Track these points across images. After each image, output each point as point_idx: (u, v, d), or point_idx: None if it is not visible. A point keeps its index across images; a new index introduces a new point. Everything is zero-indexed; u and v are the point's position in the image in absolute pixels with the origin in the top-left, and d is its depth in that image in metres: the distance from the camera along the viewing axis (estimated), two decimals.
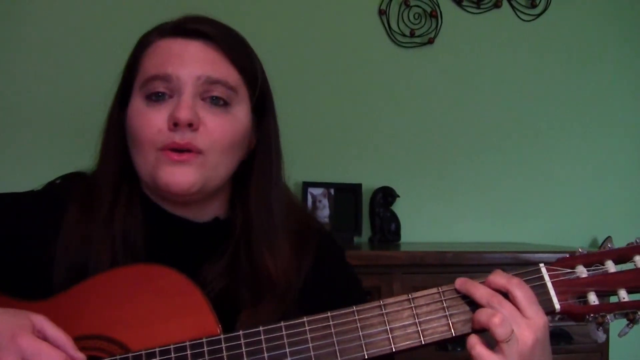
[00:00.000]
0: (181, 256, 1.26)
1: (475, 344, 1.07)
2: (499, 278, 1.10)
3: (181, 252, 1.29)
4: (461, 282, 1.14)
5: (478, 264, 2.55)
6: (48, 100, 2.71)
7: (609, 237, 3.52)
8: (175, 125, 1.20)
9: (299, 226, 1.37)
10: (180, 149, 1.20)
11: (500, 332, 1.04)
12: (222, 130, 1.24)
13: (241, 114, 1.28)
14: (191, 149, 1.21)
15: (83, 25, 2.77)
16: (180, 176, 1.20)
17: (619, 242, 3.38)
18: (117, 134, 1.30)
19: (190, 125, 1.20)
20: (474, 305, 1.11)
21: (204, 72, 1.23)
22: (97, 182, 1.30)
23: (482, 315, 1.07)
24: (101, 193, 1.28)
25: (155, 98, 1.23)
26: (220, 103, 1.25)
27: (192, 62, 1.24)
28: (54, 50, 2.74)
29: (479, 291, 1.10)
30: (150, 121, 1.22)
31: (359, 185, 3.02)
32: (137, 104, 1.25)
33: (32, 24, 2.72)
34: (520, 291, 1.08)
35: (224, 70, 1.26)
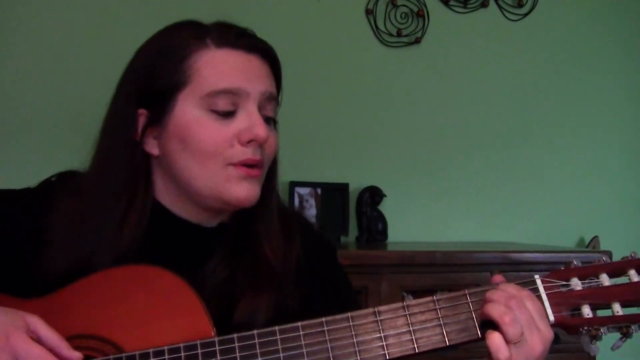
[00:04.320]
0: (183, 258, 1.27)
1: (494, 333, 1.07)
2: (511, 288, 1.11)
3: (185, 254, 1.30)
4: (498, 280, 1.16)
5: (467, 263, 2.56)
6: (46, 100, 2.70)
7: (596, 237, 3.52)
8: (249, 141, 1.23)
9: (281, 211, 1.40)
10: (251, 165, 1.24)
11: (510, 331, 1.05)
12: (275, 146, 1.32)
13: (274, 129, 1.34)
14: (259, 165, 1.26)
15: (82, 24, 2.75)
16: (251, 190, 1.25)
17: (606, 242, 3.39)
18: (131, 132, 1.27)
19: (262, 142, 1.25)
20: (468, 315, 1.12)
21: (267, 89, 1.28)
22: (101, 186, 1.27)
23: (494, 309, 1.08)
24: (108, 199, 1.26)
25: (223, 113, 1.24)
26: (270, 120, 1.31)
27: (258, 78, 1.27)
28: (54, 50, 2.72)
29: (498, 292, 1.11)
30: (221, 134, 1.23)
31: (346, 185, 3.03)
32: (197, 113, 1.24)
33: (31, 24, 2.70)
34: (532, 303, 1.09)
35: (274, 86, 1.32)
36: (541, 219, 3.38)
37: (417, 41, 3.21)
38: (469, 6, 3.30)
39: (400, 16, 3.19)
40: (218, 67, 1.25)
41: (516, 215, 3.35)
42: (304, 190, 2.94)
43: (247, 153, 1.23)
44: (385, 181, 3.08)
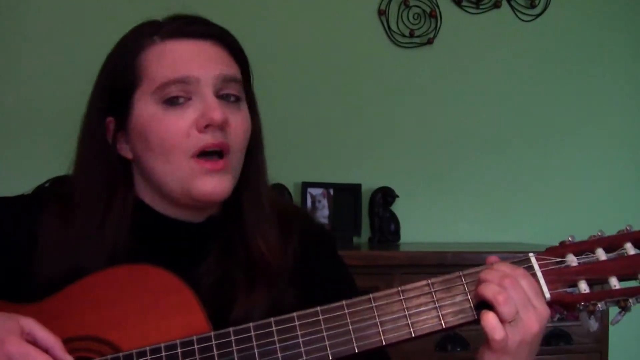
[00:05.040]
0: (176, 257, 1.26)
1: (488, 313, 1.07)
2: (505, 267, 1.11)
3: (175, 252, 1.29)
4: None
5: (478, 264, 2.54)
6: (45, 101, 2.71)
7: None
8: (206, 127, 1.21)
9: (279, 207, 1.39)
10: (211, 152, 1.21)
11: (504, 310, 1.05)
12: (242, 127, 1.27)
13: (245, 109, 1.30)
14: (223, 148, 1.22)
15: (82, 24, 2.77)
16: (217, 185, 1.22)
17: None
18: (103, 141, 1.29)
19: (221, 125, 1.21)
20: (464, 296, 1.11)
21: (221, 71, 1.25)
22: (82, 190, 1.28)
23: (487, 289, 1.07)
24: (89, 202, 1.26)
25: (174, 103, 1.22)
26: (232, 100, 1.26)
27: (208, 63, 1.25)
28: (52, 50, 2.74)
29: (491, 272, 1.10)
30: (176, 126, 1.21)
31: (359, 186, 3.02)
32: (151, 110, 1.23)
33: (31, 23, 2.72)
34: (526, 281, 1.08)
35: (232, 67, 1.28)
36: (552, 219, 3.33)
37: (430, 42, 3.20)
38: (481, 7, 3.28)
39: (413, 17, 3.19)
40: (165, 60, 1.25)
41: (527, 216, 3.32)
42: (316, 191, 2.94)
43: (206, 139, 1.21)
44: (397, 182, 3.06)
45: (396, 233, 3.00)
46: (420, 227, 3.14)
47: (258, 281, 1.25)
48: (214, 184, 1.22)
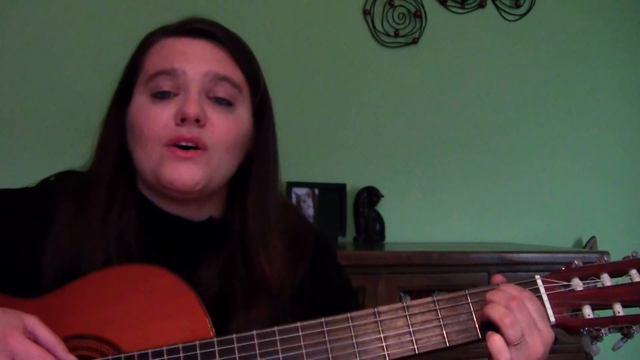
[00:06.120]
0: (176, 255, 1.26)
1: (494, 335, 1.07)
2: (511, 288, 1.11)
3: (176, 251, 1.29)
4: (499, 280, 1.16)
5: (464, 264, 2.57)
6: (43, 98, 2.68)
7: (594, 237, 3.51)
8: (182, 120, 1.21)
9: (293, 230, 1.38)
10: (186, 145, 1.21)
11: (510, 333, 1.05)
12: (227, 128, 1.25)
13: (244, 114, 1.30)
14: (198, 143, 1.22)
15: (78, 23, 2.73)
16: (185, 173, 1.21)
17: (603, 243, 3.40)
18: (114, 133, 1.30)
19: (197, 121, 1.21)
20: (469, 315, 1.12)
21: (211, 69, 1.25)
22: (91, 181, 1.30)
23: (494, 311, 1.08)
24: (96, 192, 1.28)
25: (161, 96, 1.24)
26: (224, 103, 1.26)
27: (198, 59, 1.25)
28: (49, 48, 2.70)
29: (498, 293, 1.10)
30: (156, 116, 1.23)
31: (344, 185, 3.02)
32: (141, 101, 1.26)
33: (27, 22, 2.69)
34: (532, 304, 1.09)
35: (229, 68, 1.28)
36: (538, 219, 3.38)
37: (415, 41, 3.21)
38: (466, 6, 3.30)
39: (398, 16, 3.19)
40: (157, 55, 1.27)
41: (513, 216, 3.35)
42: (301, 191, 2.93)
43: (180, 131, 1.21)
44: (382, 181, 3.07)
45: (381, 233, 3.01)
46: (405, 226, 3.16)
47: (258, 299, 1.25)
48: (182, 172, 1.21)
